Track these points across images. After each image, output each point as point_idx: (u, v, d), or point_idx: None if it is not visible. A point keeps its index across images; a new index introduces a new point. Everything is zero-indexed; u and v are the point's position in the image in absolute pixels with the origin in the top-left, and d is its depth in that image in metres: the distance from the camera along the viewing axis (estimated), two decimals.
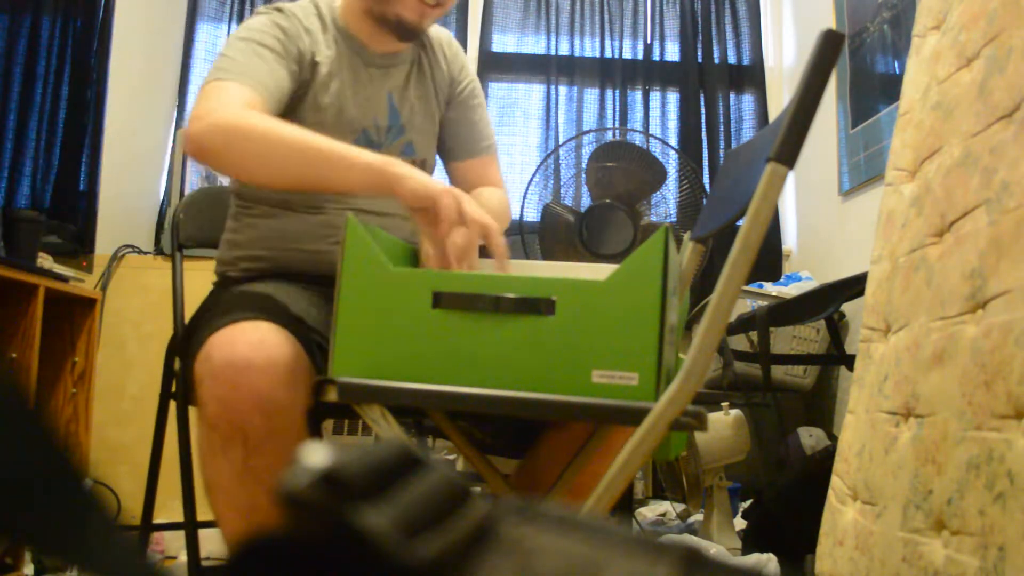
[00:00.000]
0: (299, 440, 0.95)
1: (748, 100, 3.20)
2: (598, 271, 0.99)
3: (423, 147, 1.37)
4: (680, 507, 2.31)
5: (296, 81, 1.24)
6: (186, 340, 1.15)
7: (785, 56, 3.27)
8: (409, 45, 1.36)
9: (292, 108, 1.26)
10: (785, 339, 2.41)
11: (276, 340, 0.94)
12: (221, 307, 1.06)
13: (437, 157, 1.46)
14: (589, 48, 3.23)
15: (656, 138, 2.66)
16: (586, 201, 2.52)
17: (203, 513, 1.33)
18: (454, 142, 1.43)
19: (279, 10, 1.27)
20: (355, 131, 1.29)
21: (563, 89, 3.20)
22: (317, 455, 0.19)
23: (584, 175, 2.56)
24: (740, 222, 0.85)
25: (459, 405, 0.95)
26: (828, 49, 0.82)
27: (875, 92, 2.50)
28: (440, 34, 1.44)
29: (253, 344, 0.92)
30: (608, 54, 3.21)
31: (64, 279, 2.18)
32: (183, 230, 1.56)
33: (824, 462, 1.64)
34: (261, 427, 0.90)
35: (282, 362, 0.93)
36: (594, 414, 0.93)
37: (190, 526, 1.31)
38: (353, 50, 1.31)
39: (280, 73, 1.20)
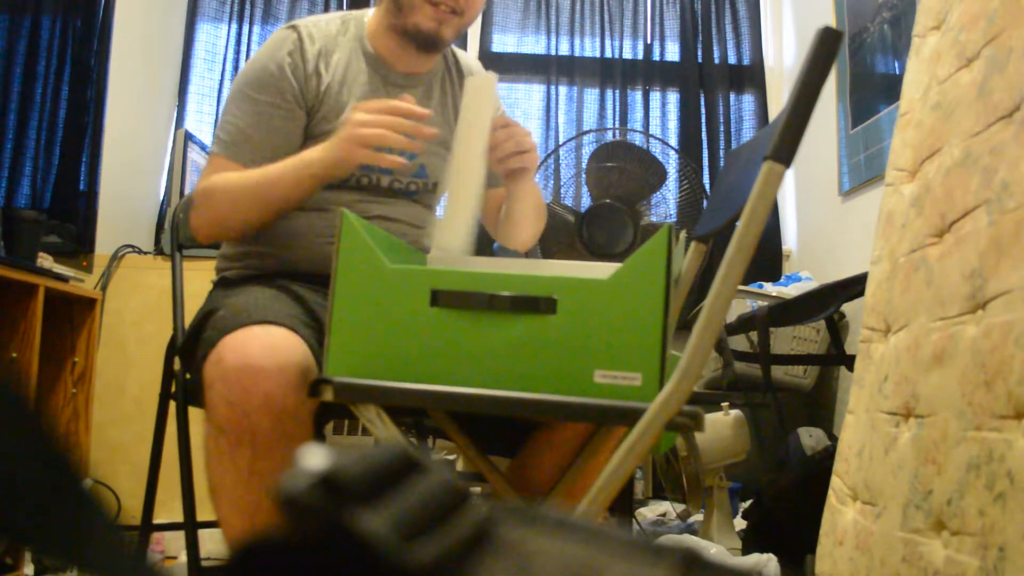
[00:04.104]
0: (306, 443, 0.95)
1: (748, 100, 3.20)
2: (598, 271, 0.99)
3: (435, 169, 1.38)
4: (680, 507, 2.31)
5: (302, 115, 1.27)
6: (191, 340, 1.15)
7: (785, 56, 3.27)
8: (432, 66, 1.37)
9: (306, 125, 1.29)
10: (785, 339, 2.41)
11: (288, 344, 0.94)
12: (230, 308, 1.06)
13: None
14: (589, 48, 3.23)
15: (656, 138, 2.66)
16: (586, 201, 2.52)
17: (203, 513, 1.33)
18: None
19: (293, 29, 1.28)
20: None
21: (563, 89, 3.19)
22: (315, 458, 0.19)
23: (584, 175, 2.56)
24: (740, 221, 0.85)
25: (457, 405, 0.94)
26: (826, 46, 0.82)
27: (875, 92, 2.50)
28: (471, 63, 1.45)
29: (265, 348, 0.92)
30: (608, 54, 3.20)
31: (64, 279, 2.18)
32: (183, 230, 1.56)
33: (824, 462, 1.64)
34: (270, 431, 0.91)
35: (293, 367, 0.92)
36: (595, 415, 0.92)
37: (190, 526, 1.30)
38: (375, 69, 1.31)
39: (279, 127, 1.24)
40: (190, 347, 1.16)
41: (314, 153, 1.14)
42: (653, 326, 0.88)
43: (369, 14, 1.35)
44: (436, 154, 1.36)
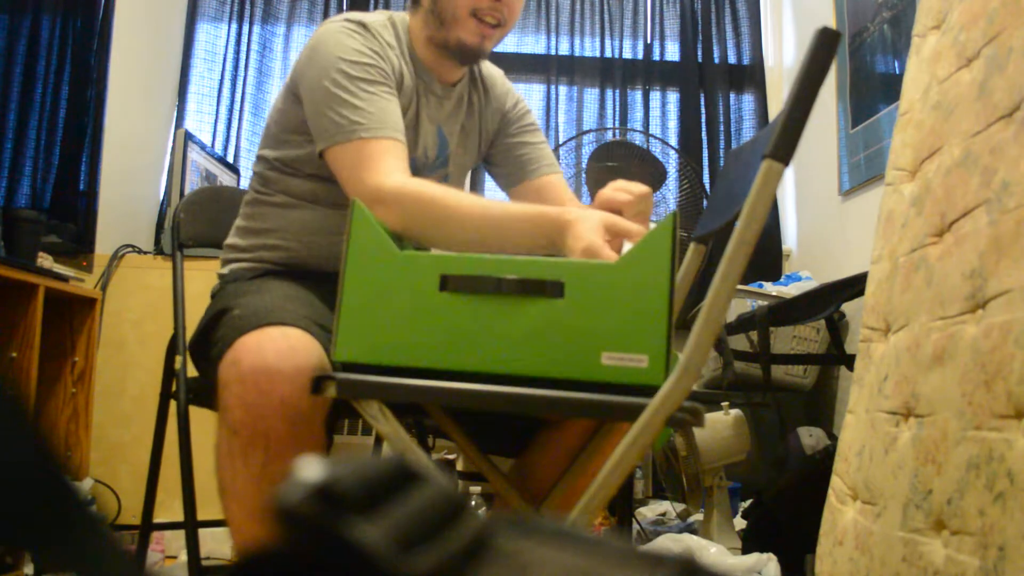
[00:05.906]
0: (318, 446, 0.96)
1: (748, 100, 3.20)
2: None
3: (457, 181, 1.38)
4: (680, 507, 2.31)
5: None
6: (203, 338, 1.15)
7: (785, 56, 3.27)
8: (462, 80, 1.36)
9: None
10: (785, 339, 2.41)
11: (304, 347, 0.94)
12: (246, 307, 1.05)
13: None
14: (589, 48, 3.23)
15: (656, 138, 2.66)
16: (586, 201, 2.52)
17: (203, 513, 1.33)
18: (519, 163, 1.41)
19: (364, 27, 1.23)
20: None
21: (563, 89, 3.19)
22: (311, 469, 0.19)
23: (584, 175, 2.56)
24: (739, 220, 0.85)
25: (458, 402, 0.94)
26: (824, 47, 0.82)
27: (875, 92, 2.50)
28: (493, 72, 1.44)
29: (283, 351, 0.92)
30: (608, 54, 3.20)
31: (64, 279, 2.18)
32: (183, 230, 1.56)
33: (824, 462, 1.64)
34: (285, 434, 0.91)
35: (309, 370, 0.92)
36: (597, 411, 0.93)
37: (190, 526, 1.31)
38: (419, 76, 1.30)
39: (397, 106, 1.20)
40: (202, 345, 1.15)
41: (564, 216, 1.04)
42: (659, 308, 0.89)
43: (407, 19, 1.33)
44: (461, 166, 1.38)
